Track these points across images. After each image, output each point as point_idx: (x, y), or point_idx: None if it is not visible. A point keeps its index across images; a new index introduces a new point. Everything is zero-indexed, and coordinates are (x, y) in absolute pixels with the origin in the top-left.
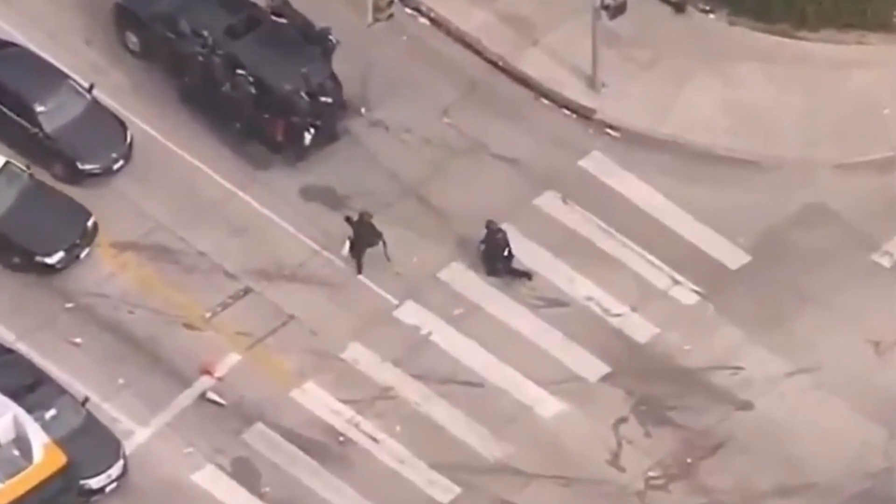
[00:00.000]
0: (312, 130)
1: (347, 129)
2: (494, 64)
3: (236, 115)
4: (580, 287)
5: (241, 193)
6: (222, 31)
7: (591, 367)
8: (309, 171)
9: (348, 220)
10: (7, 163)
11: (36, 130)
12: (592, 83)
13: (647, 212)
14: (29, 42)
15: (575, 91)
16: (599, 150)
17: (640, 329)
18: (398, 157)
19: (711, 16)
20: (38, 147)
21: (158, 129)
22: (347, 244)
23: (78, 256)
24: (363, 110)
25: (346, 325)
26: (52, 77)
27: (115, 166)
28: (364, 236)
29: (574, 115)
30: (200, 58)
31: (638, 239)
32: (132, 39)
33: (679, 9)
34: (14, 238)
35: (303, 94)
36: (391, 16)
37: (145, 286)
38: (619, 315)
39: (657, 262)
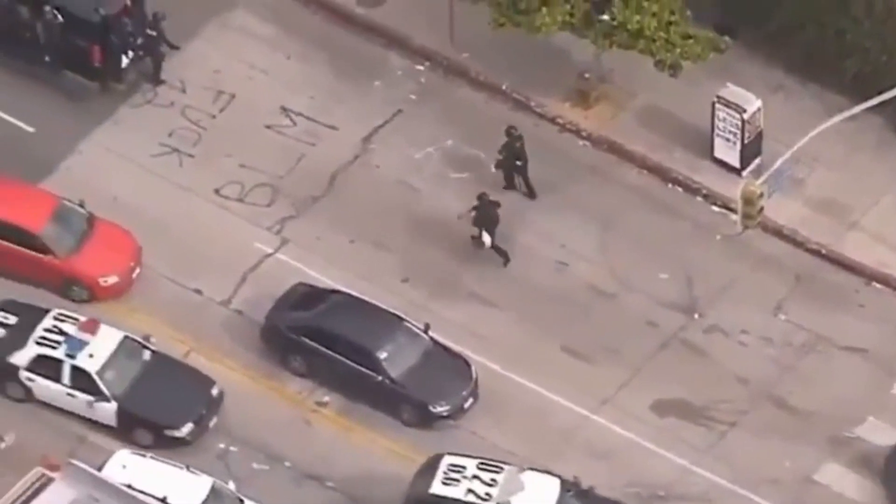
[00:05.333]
0: (131, 54)
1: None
2: (817, 253)
3: (46, 50)
4: None
5: (593, 416)
6: None
7: None
8: (654, 386)
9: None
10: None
11: (381, 378)
12: None
13: None
14: (346, 286)
15: None
16: None
17: None
18: (742, 361)
19: None
20: (384, 394)
21: (498, 362)
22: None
23: (207, 426)
24: (696, 315)
25: None
26: (387, 321)
27: (466, 405)
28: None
29: None
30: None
31: None
32: None
33: None
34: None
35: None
36: (759, 223)
37: None
38: None
39: None
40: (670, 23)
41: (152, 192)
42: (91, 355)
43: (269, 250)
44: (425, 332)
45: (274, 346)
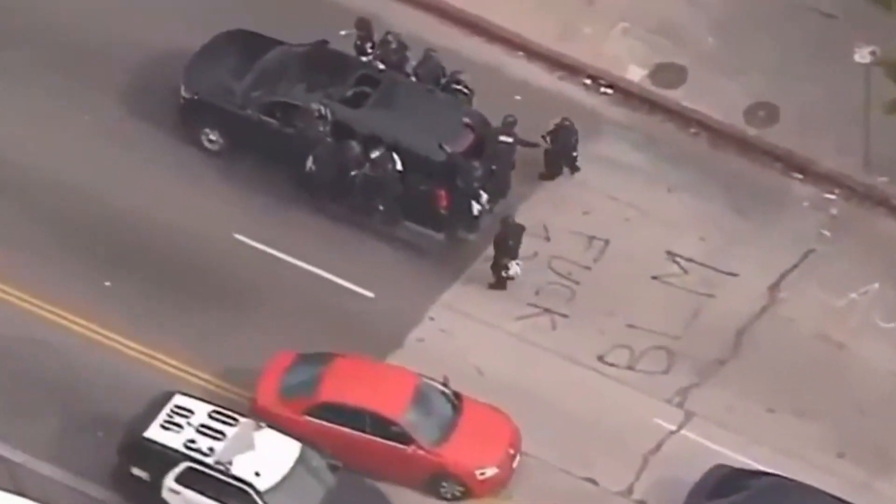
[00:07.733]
0: (484, 196)
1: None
2: None
3: (380, 197)
4: None
5: None
6: (336, 101)
7: None
8: None
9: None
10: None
11: None
12: None
13: None
14: (770, 466)
15: None
16: None
17: None
18: None
19: None
20: None
21: None
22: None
23: None
24: None
25: None
26: None
27: None
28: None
29: None
30: (328, 139)
31: None
32: (211, 137)
33: None
34: None
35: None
36: None
37: None
38: None
39: None
40: None
41: (523, 362)
42: None
43: (672, 427)
44: None
45: None
